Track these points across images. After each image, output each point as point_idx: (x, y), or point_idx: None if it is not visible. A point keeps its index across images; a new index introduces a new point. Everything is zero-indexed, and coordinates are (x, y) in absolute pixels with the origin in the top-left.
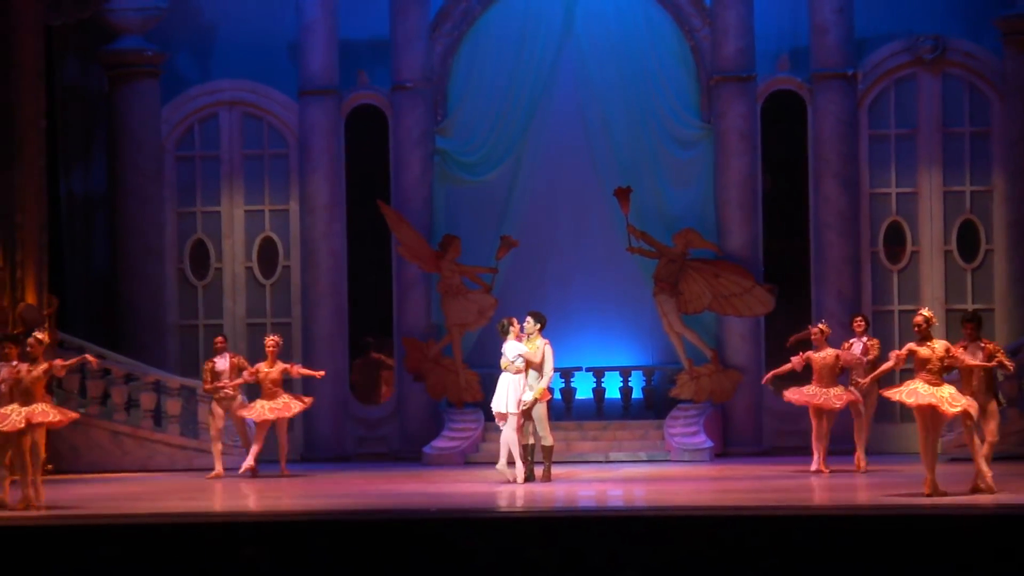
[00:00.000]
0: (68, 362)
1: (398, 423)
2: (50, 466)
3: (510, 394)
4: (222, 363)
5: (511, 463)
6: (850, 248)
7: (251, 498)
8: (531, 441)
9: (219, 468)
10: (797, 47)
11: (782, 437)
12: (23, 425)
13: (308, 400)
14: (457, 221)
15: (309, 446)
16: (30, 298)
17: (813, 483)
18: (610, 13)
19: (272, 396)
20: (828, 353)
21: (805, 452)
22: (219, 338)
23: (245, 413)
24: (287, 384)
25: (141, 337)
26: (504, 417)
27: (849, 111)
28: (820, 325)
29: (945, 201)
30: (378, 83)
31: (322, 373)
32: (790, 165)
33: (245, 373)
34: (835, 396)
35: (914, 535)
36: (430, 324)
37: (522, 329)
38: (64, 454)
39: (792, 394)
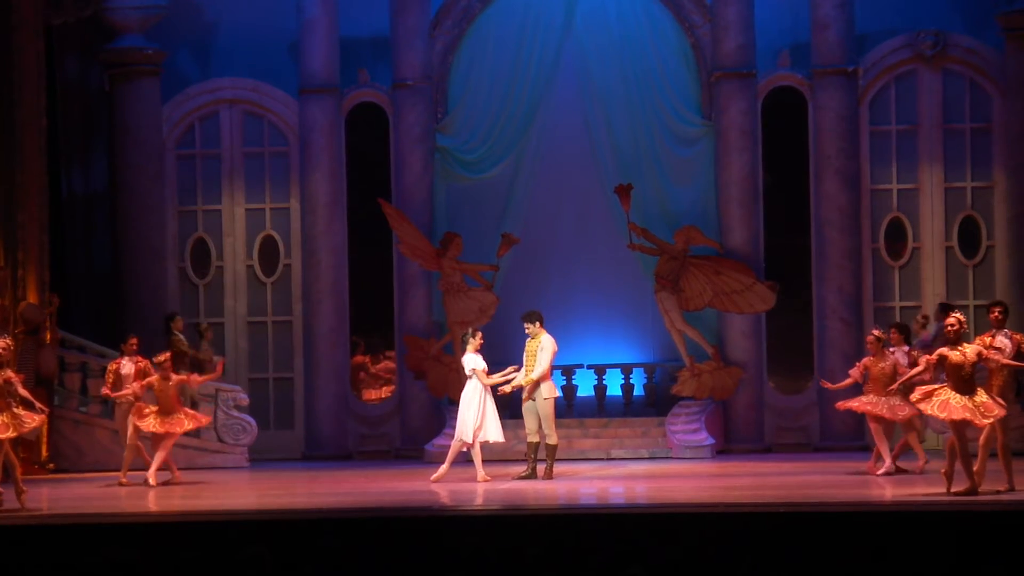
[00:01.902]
0: (23, 391)
1: (400, 421)
2: (52, 465)
3: (488, 413)
4: (128, 367)
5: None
6: (851, 244)
7: (252, 497)
8: (536, 439)
9: (148, 473)
10: (798, 43)
11: (783, 434)
12: None
13: (205, 419)
14: (458, 219)
15: (311, 444)
16: (31, 297)
17: (813, 480)
18: (610, 10)
19: (168, 411)
20: (887, 362)
21: (806, 449)
22: (133, 339)
23: (136, 421)
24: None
25: (142, 336)
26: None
27: (850, 107)
28: (875, 332)
29: (946, 197)
30: (379, 81)
31: (222, 361)
32: (791, 161)
33: (136, 385)
34: (897, 407)
35: (915, 531)
36: (431, 322)
37: (524, 333)
38: (66, 454)
39: (851, 403)
